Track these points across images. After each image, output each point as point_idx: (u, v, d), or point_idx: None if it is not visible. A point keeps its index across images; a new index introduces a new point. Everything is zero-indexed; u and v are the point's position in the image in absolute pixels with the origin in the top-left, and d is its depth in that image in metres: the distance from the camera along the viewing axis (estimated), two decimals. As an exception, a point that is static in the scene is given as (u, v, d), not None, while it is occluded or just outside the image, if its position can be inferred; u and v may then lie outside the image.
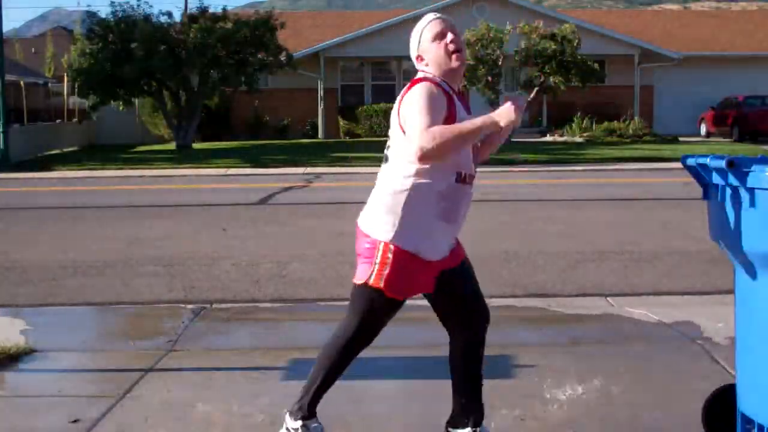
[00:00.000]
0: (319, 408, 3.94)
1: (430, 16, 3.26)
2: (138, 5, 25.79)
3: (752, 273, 2.97)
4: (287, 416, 3.38)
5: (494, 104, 26.37)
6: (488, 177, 15.40)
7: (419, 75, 3.20)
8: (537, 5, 36.67)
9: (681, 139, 27.34)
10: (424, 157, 2.95)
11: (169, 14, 26.47)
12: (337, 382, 4.24)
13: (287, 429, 3.36)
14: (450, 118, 3.06)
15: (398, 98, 3.18)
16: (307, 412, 3.35)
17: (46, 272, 7.32)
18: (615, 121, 28.12)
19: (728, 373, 4.23)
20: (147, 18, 25.35)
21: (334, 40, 30.64)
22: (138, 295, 6.46)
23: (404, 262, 3.14)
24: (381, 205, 3.19)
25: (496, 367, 4.44)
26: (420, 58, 3.23)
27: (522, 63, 25.84)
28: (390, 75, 31.95)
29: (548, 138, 28.46)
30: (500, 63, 25.68)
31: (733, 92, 29.51)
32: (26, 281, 7.01)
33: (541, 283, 6.74)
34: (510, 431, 3.62)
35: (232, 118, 31.34)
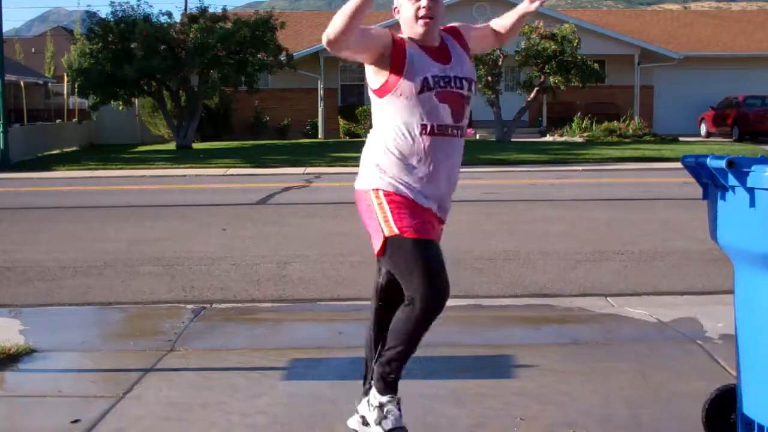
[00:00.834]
0: (321, 408, 3.95)
1: None
2: (138, 5, 25.80)
3: (752, 273, 2.97)
4: (373, 393, 3.33)
5: (494, 104, 26.41)
6: (488, 177, 15.44)
7: None
8: (537, 5, 36.59)
9: (681, 139, 27.35)
10: (327, 42, 3.05)
11: (169, 14, 26.48)
12: (338, 382, 4.25)
13: (372, 406, 3.33)
14: (395, 64, 3.15)
15: None
16: (392, 388, 3.31)
17: (46, 272, 7.32)
18: (615, 121, 28.13)
19: (728, 373, 4.23)
20: (147, 18, 25.35)
21: (335, 40, 30.63)
22: (138, 295, 6.46)
23: (398, 203, 3.19)
24: (363, 162, 3.33)
25: (496, 367, 4.44)
26: (396, 10, 3.32)
27: (522, 63, 25.85)
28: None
29: (548, 138, 28.45)
30: (500, 63, 25.70)
31: (733, 92, 29.52)
32: (26, 281, 7.01)
33: (541, 283, 6.73)
34: (510, 431, 3.61)
35: (232, 118, 31.35)
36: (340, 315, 5.78)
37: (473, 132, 28.26)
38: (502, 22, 3.60)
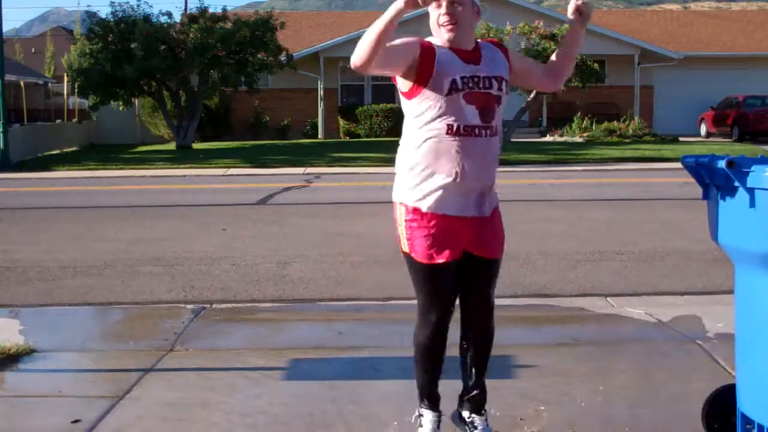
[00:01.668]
0: (321, 408, 3.95)
1: None
2: (138, 5, 25.81)
3: (752, 273, 2.97)
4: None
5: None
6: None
7: None
8: (537, 5, 36.69)
9: (681, 139, 27.35)
10: (354, 68, 3.07)
11: (169, 14, 26.49)
12: (338, 382, 4.25)
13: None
14: (422, 72, 3.16)
15: None
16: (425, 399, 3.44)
17: (46, 272, 7.32)
18: (615, 121, 28.12)
19: (728, 373, 4.23)
20: (147, 18, 25.34)
21: (334, 40, 30.65)
22: (138, 295, 6.46)
23: (417, 221, 3.23)
24: (396, 165, 3.37)
25: (497, 367, 4.43)
26: (429, 15, 3.33)
27: (522, 63, 25.80)
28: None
29: (548, 138, 28.45)
30: (500, 63, 25.63)
31: (733, 92, 29.51)
32: (26, 281, 7.01)
33: (541, 283, 6.73)
34: (509, 431, 3.61)
35: (232, 118, 31.35)
36: (340, 315, 5.78)
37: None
38: (552, 59, 3.50)
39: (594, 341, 5.01)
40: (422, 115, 3.21)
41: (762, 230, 2.84)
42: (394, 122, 26.99)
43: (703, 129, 30.51)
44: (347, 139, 29.48)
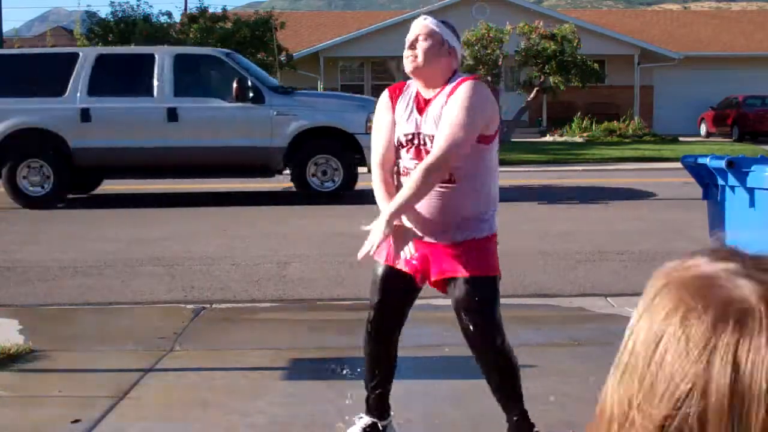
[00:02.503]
0: (321, 408, 3.95)
1: (419, 18, 3.33)
2: (138, 5, 25.82)
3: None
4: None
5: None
6: (488, 177, 15.30)
7: None
8: (537, 5, 36.69)
9: (681, 139, 27.34)
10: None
11: (169, 14, 26.50)
12: (338, 382, 4.25)
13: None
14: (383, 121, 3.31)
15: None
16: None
17: (46, 272, 7.32)
18: (615, 121, 28.12)
19: (728, 373, 4.23)
20: (147, 18, 25.35)
21: (334, 40, 30.65)
22: (138, 295, 6.46)
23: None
24: None
25: (496, 367, 4.44)
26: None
27: (522, 63, 25.84)
28: (390, 75, 31.96)
29: (548, 138, 28.44)
30: (500, 63, 25.68)
31: (733, 92, 29.52)
32: (26, 281, 7.01)
33: (541, 283, 6.73)
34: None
35: (231, 118, 31.32)
36: (340, 315, 5.78)
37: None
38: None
39: (594, 341, 5.01)
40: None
41: (762, 230, 2.84)
42: (394, 122, 26.89)
43: (703, 129, 30.52)
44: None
